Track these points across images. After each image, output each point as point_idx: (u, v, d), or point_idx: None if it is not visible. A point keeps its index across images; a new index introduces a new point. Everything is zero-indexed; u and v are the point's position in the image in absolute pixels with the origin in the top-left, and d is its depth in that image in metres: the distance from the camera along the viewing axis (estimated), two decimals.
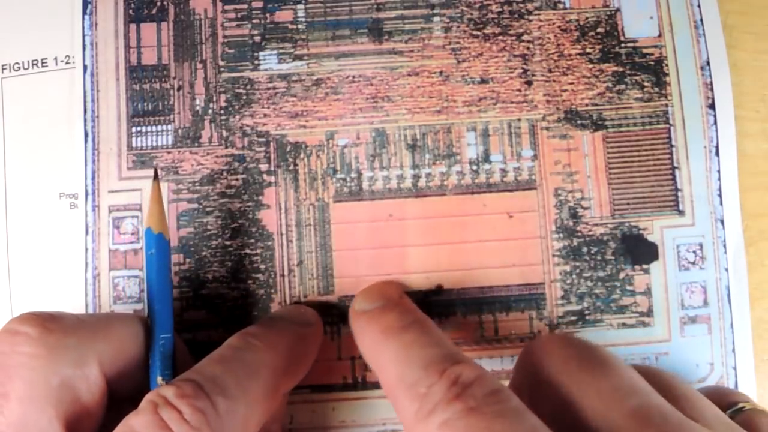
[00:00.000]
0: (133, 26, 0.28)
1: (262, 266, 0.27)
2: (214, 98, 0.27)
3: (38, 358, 0.20)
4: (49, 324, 0.21)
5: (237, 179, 0.27)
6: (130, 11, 0.28)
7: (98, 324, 0.22)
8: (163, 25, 0.28)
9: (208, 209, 0.27)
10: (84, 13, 0.28)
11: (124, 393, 0.22)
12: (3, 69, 0.28)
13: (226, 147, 0.27)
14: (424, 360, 0.21)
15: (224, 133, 0.27)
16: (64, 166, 0.28)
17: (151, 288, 0.23)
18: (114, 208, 0.27)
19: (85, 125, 0.27)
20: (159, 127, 0.27)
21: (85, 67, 0.27)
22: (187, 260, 0.27)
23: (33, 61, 0.28)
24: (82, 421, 0.21)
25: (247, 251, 0.27)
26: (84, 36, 0.28)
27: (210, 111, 0.27)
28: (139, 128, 0.27)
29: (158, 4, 0.28)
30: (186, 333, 0.26)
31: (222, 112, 0.27)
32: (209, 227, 0.27)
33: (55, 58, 0.28)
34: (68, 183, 0.27)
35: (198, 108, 0.27)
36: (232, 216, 0.27)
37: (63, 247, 0.27)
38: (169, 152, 0.27)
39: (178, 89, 0.27)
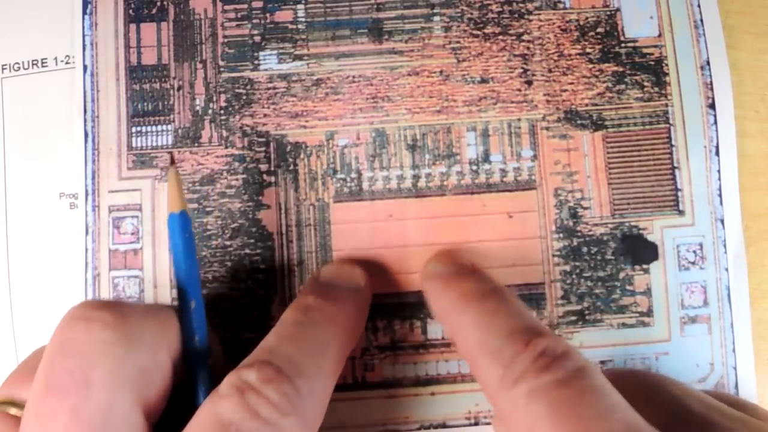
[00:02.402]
0: (133, 26, 0.28)
1: (262, 266, 0.27)
2: (214, 98, 0.27)
3: (118, 345, 0.20)
4: (124, 310, 0.21)
5: (237, 179, 0.27)
6: (130, 11, 0.28)
7: (159, 312, 0.22)
8: (163, 25, 0.28)
9: (208, 209, 0.27)
10: (84, 13, 0.28)
11: None
12: (3, 69, 0.28)
13: (226, 147, 0.27)
14: (508, 328, 0.21)
15: (224, 133, 0.27)
16: (64, 166, 0.28)
17: (179, 266, 0.23)
18: (114, 208, 0.27)
19: (85, 125, 0.27)
20: (159, 127, 0.27)
21: (85, 67, 0.27)
22: None
23: (33, 61, 0.28)
24: (156, 409, 0.21)
25: (247, 251, 0.27)
26: (84, 36, 0.28)
27: (210, 111, 0.27)
28: (139, 128, 0.27)
29: (158, 4, 0.28)
30: None
31: (222, 112, 0.27)
32: (209, 227, 0.27)
33: (55, 58, 0.28)
34: (68, 183, 0.27)
35: (198, 108, 0.27)
36: (232, 216, 0.27)
37: (63, 247, 0.27)
38: (169, 152, 0.27)
39: (178, 89, 0.27)
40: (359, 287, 0.25)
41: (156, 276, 0.27)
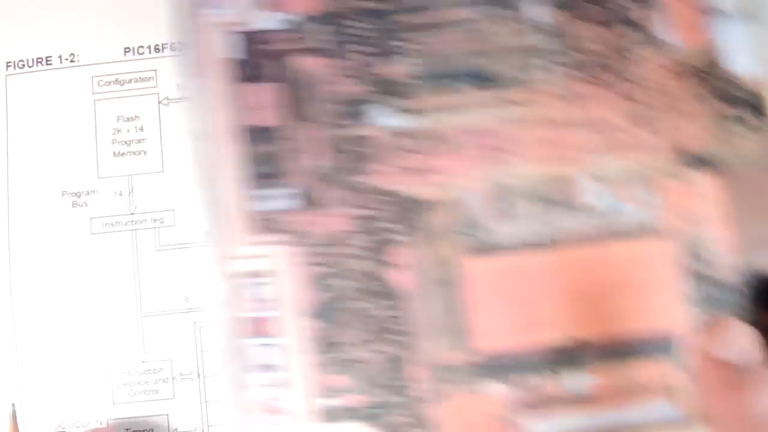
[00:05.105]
0: (239, 86, 0.27)
1: (396, 327, 0.26)
2: (332, 158, 0.27)
3: None
4: None
5: (361, 239, 0.26)
6: (238, 72, 0.27)
7: None
8: (274, 85, 0.27)
9: (338, 272, 0.26)
10: (184, 68, 0.27)
11: None
12: (8, 66, 0.29)
13: (348, 207, 0.27)
14: None
15: (344, 193, 0.27)
16: (68, 165, 0.28)
17: None
18: (241, 275, 0.26)
19: (203, 191, 0.26)
20: (276, 191, 0.27)
21: (198, 131, 0.27)
22: (324, 324, 0.26)
23: (38, 59, 0.29)
24: None
25: (381, 312, 0.26)
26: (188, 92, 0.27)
27: (328, 171, 0.27)
28: (257, 192, 0.27)
29: (267, 64, 0.27)
30: (329, 399, 0.26)
31: (341, 171, 0.27)
32: (341, 290, 0.26)
33: (60, 57, 0.28)
34: (71, 181, 0.28)
35: (317, 168, 0.27)
36: (363, 277, 0.26)
37: (65, 245, 0.28)
38: (292, 215, 0.26)
39: (294, 150, 0.27)
40: None
41: (296, 341, 0.26)
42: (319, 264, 0.26)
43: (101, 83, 0.29)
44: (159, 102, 0.29)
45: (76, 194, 0.28)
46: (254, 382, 0.26)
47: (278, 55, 0.27)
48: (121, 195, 0.28)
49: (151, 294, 0.28)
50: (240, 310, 0.26)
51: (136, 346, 0.27)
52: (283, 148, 0.27)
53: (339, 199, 0.27)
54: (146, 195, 0.28)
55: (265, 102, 0.27)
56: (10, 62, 0.29)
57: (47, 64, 0.28)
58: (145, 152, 0.29)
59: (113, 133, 0.28)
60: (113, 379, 0.27)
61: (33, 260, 0.28)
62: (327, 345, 0.26)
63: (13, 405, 0.22)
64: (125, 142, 0.28)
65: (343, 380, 0.26)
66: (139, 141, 0.29)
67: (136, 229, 0.28)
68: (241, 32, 0.27)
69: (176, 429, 0.27)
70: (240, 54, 0.27)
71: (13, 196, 0.28)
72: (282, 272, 0.26)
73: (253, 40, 0.27)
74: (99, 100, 0.29)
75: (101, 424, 0.27)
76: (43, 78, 0.28)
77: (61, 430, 0.27)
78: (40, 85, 0.28)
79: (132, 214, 0.28)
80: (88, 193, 0.28)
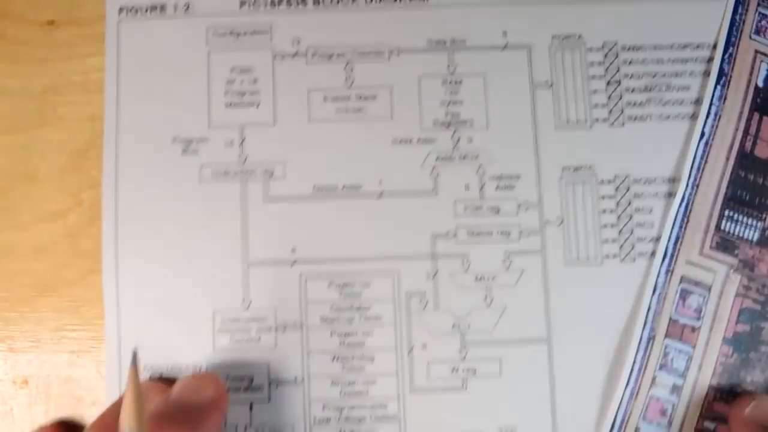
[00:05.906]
0: (756, 115, 0.28)
1: None
2: None
3: None
4: None
5: None
6: (758, 100, 0.28)
7: None
8: None
9: (765, 315, 0.27)
10: (717, 83, 0.28)
11: None
12: (120, 12, 0.29)
13: None
14: None
15: None
16: (179, 112, 0.28)
17: None
18: (686, 280, 0.27)
19: (685, 190, 0.27)
20: (749, 220, 0.28)
21: (702, 134, 0.28)
22: (734, 355, 0.27)
23: (152, 6, 0.29)
24: None
25: None
26: (711, 105, 0.28)
27: None
28: (731, 213, 0.28)
29: None
30: (709, 422, 0.27)
31: None
32: (763, 335, 0.27)
33: (174, 5, 0.29)
34: (181, 128, 0.28)
35: None
36: None
37: (172, 191, 0.28)
38: (751, 247, 0.27)
39: None
40: (205, 399, 0.24)
41: (704, 357, 0.27)
42: (752, 299, 0.27)
43: (215, 34, 0.29)
44: (273, 56, 0.28)
45: (187, 141, 0.28)
46: (653, 378, 0.27)
47: None
48: (231, 145, 0.28)
49: (257, 244, 0.28)
50: (672, 310, 0.27)
51: (240, 295, 0.27)
52: None
53: None
54: (257, 146, 0.28)
55: None
56: (123, 8, 0.28)
57: (161, 12, 0.28)
58: (257, 104, 0.28)
59: (226, 84, 0.28)
60: (216, 326, 0.27)
61: (141, 206, 0.28)
62: (729, 374, 0.27)
63: (135, 351, 0.21)
64: (238, 93, 0.28)
65: (726, 409, 0.27)
66: (252, 93, 0.28)
67: (245, 180, 0.28)
68: None
69: (276, 378, 0.27)
70: (765, 85, 0.28)
71: (123, 140, 0.28)
72: (718, 292, 0.27)
73: None
74: (213, 51, 0.28)
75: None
76: (156, 26, 0.28)
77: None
78: (153, 32, 0.28)
79: (242, 164, 0.28)
80: (199, 141, 0.28)
